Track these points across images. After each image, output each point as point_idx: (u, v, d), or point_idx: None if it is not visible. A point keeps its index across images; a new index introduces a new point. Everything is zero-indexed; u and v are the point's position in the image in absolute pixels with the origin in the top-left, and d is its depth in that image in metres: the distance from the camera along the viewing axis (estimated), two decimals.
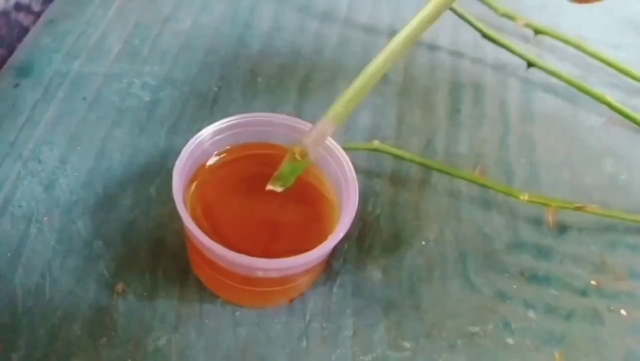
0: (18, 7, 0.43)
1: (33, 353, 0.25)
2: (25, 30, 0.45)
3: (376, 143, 0.33)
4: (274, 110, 0.35)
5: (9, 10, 0.42)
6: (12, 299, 0.27)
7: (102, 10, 0.39)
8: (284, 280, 0.25)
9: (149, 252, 0.29)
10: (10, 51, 0.43)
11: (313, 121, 0.28)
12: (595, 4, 0.48)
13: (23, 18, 0.44)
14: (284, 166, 0.24)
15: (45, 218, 0.29)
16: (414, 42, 0.24)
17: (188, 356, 0.26)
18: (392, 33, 0.41)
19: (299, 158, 0.23)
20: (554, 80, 0.39)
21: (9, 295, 0.27)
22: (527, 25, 0.41)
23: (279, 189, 0.24)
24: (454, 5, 0.40)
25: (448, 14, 0.41)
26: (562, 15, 0.45)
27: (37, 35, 0.38)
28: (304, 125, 0.28)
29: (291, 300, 0.28)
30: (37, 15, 0.45)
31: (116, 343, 0.26)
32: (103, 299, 0.27)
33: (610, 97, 0.39)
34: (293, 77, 0.37)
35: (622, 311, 0.30)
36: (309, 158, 0.24)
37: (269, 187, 0.24)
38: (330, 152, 0.27)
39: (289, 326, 0.27)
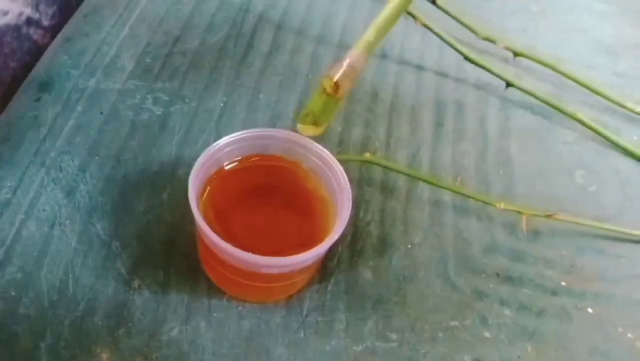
0: (29, 21, 0.46)
1: (58, 342, 0.28)
2: (34, 44, 0.47)
3: (367, 155, 0.36)
4: (274, 124, 0.39)
5: (20, 25, 0.45)
6: (38, 294, 0.30)
7: (115, 30, 0.42)
8: (284, 277, 0.28)
9: (162, 252, 0.32)
10: (21, 63, 0.46)
11: (310, 138, 0.31)
12: (572, 26, 0.52)
13: (33, 32, 0.47)
14: (313, 102, 0.22)
15: (67, 221, 0.32)
16: None
17: (198, 345, 0.29)
18: (382, 54, 0.44)
19: (330, 92, 0.21)
20: (530, 98, 0.43)
21: (36, 291, 0.30)
22: (507, 48, 0.45)
23: (310, 130, 0.22)
24: (439, 30, 0.43)
25: (434, 37, 0.44)
26: (540, 37, 0.48)
27: (55, 53, 0.41)
28: (302, 139, 0.31)
29: (290, 296, 0.31)
30: (47, 29, 0.48)
31: (133, 333, 0.29)
32: (121, 294, 0.30)
33: (582, 114, 0.42)
34: (291, 93, 0.41)
35: (589, 310, 0.33)
36: (340, 93, 0.21)
37: (299, 126, 0.22)
38: (327, 163, 0.30)
39: (288, 320, 0.30)
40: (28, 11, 0.46)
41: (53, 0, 0.48)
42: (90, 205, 0.33)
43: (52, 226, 0.32)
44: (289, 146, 0.31)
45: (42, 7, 0.47)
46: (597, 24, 0.51)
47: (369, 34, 0.22)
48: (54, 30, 0.48)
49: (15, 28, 0.45)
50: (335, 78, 0.22)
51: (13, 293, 0.29)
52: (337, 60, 0.23)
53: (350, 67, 0.22)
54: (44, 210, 0.33)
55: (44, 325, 0.29)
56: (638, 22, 0.52)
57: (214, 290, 0.31)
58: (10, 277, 0.30)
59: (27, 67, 0.46)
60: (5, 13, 0.43)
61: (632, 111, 0.44)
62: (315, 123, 0.22)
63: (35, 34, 0.47)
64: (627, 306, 0.34)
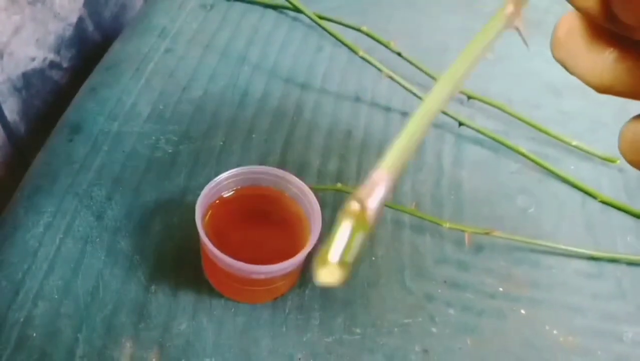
0: (52, 65, 0.54)
1: (92, 334, 0.36)
2: (56, 84, 0.55)
3: (339, 185, 0.44)
4: (264, 159, 0.47)
5: (44, 69, 0.53)
6: (75, 297, 0.37)
7: (133, 82, 0.51)
8: (269, 281, 0.36)
9: (173, 264, 0.39)
10: (44, 101, 0.53)
11: (294, 169, 0.39)
12: (524, 70, 0.60)
13: (55, 74, 0.55)
14: (342, 233, 0.16)
15: (98, 239, 0.40)
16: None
17: (201, 336, 0.37)
18: (356, 98, 0.53)
19: (357, 215, 0.16)
20: (481, 135, 0.51)
21: (73, 295, 0.37)
22: (461, 92, 0.53)
23: (335, 273, 0.16)
24: (404, 78, 0.52)
25: (399, 86, 0.52)
26: (494, 81, 0.56)
27: (83, 101, 0.49)
28: (286, 175, 0.39)
29: (275, 298, 0.39)
30: (66, 70, 0.56)
31: (151, 327, 0.37)
32: (141, 297, 0.38)
33: (525, 148, 0.50)
34: (279, 133, 0.49)
35: (522, 311, 0.41)
36: (369, 218, 0.16)
37: (327, 262, 0.16)
38: (304, 192, 0.38)
39: (273, 317, 0.38)
40: (51, 56, 0.54)
41: (72, 44, 0.56)
42: (115, 227, 0.41)
43: (85, 243, 0.40)
44: (275, 179, 0.39)
45: (63, 51, 0.55)
46: (546, 68, 0.59)
47: (391, 155, 0.17)
48: (72, 71, 0.56)
49: (41, 72, 0.53)
50: (359, 195, 0.16)
51: (56, 296, 0.37)
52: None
53: (374, 183, 0.17)
54: (78, 230, 0.41)
55: (81, 320, 0.36)
56: None
57: (214, 293, 0.38)
58: (53, 284, 0.38)
59: (49, 104, 0.54)
60: (33, 59, 0.52)
61: (569, 144, 0.52)
62: (340, 265, 0.16)
63: (57, 75, 0.55)
64: (555, 309, 0.41)
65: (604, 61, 0.17)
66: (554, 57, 0.19)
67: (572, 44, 0.18)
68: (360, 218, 0.16)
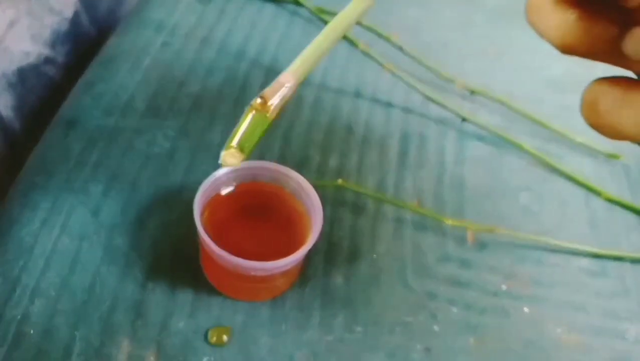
0: (47, 60, 0.53)
1: (90, 332, 0.35)
2: (51, 80, 0.54)
3: (340, 181, 0.43)
4: (263, 155, 0.46)
5: (39, 64, 0.53)
6: (72, 295, 0.37)
7: (130, 76, 0.50)
8: (268, 279, 0.35)
9: (171, 261, 0.39)
10: (39, 97, 0.52)
11: (294, 165, 0.39)
12: (526, 66, 0.60)
13: (49, 70, 0.54)
14: (245, 122, 0.22)
15: (94, 236, 0.39)
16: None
17: (199, 334, 0.36)
18: (357, 94, 0.52)
19: (258, 107, 0.22)
20: (483, 130, 0.50)
21: (70, 292, 0.37)
22: (464, 87, 0.52)
23: (231, 159, 0.22)
24: (406, 73, 0.51)
25: (401, 80, 0.52)
26: (496, 76, 0.56)
27: (79, 96, 0.49)
28: (285, 169, 0.38)
29: (275, 297, 0.38)
30: (61, 66, 0.55)
31: (148, 325, 0.36)
32: (138, 294, 0.37)
33: (528, 144, 0.49)
34: (278, 129, 0.48)
35: (525, 309, 0.40)
36: (268, 109, 0.22)
37: (222, 154, 0.22)
38: (304, 187, 0.38)
39: (273, 315, 0.37)
40: (46, 52, 0.53)
41: (67, 39, 0.55)
42: (112, 223, 0.40)
43: (82, 240, 0.39)
44: (274, 175, 0.39)
45: (58, 46, 0.54)
46: (548, 63, 0.58)
47: (298, 62, 0.24)
48: (67, 66, 0.56)
49: (36, 67, 0.52)
50: (266, 95, 0.23)
51: (53, 293, 0.36)
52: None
53: (279, 83, 0.23)
54: (74, 227, 0.40)
55: (78, 318, 0.35)
56: (584, 61, 0.60)
57: (213, 291, 0.38)
58: (50, 280, 0.37)
59: (44, 100, 0.53)
60: (28, 55, 0.51)
61: (573, 141, 0.51)
62: (240, 149, 0.22)
63: (51, 71, 0.54)
64: (557, 307, 0.40)
65: (566, 21, 0.19)
66: (527, 21, 0.20)
67: (542, 6, 0.20)
68: (261, 111, 0.22)
